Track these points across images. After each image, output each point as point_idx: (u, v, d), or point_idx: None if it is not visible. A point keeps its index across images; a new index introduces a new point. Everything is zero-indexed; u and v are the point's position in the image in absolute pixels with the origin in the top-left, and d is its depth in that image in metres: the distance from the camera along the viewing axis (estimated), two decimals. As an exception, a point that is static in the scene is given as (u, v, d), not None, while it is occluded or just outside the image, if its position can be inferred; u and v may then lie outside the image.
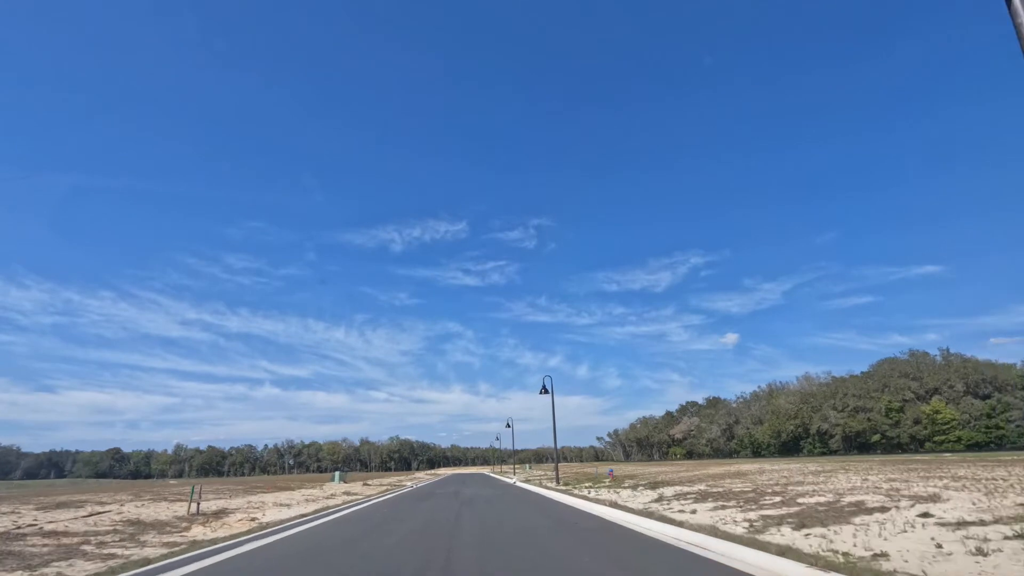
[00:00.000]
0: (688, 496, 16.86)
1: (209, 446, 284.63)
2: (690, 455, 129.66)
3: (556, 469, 31.92)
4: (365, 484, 40.58)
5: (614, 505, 15.18)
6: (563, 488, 26.27)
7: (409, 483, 46.17)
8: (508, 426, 60.31)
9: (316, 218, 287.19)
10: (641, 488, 22.24)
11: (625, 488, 23.19)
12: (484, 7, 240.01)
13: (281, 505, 20.20)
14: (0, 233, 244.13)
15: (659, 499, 16.79)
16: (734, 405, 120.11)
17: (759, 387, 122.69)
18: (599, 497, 18.54)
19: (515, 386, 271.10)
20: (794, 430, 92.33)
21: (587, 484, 29.07)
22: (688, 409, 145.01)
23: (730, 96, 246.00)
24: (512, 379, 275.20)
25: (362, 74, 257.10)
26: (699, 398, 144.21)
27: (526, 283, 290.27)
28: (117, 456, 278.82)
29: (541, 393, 32.59)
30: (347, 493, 28.26)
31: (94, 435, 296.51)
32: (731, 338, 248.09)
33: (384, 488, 34.87)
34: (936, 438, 70.75)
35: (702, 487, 19.86)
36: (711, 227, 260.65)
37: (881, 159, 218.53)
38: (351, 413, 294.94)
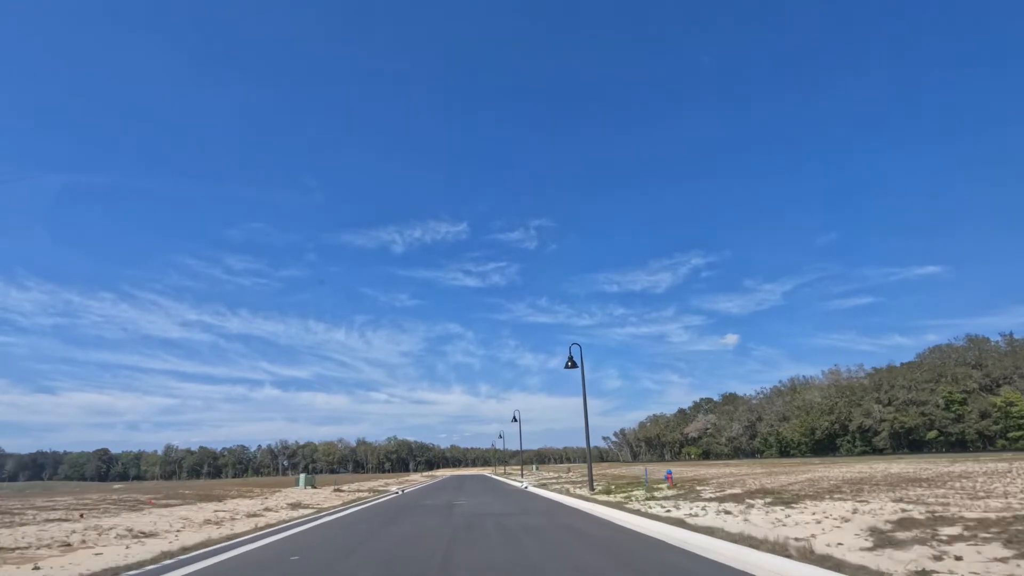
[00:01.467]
0: (960, 534, 7.87)
1: (200, 447, 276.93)
2: (706, 455, 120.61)
3: (590, 470, 23.04)
4: (336, 490, 31.72)
5: (808, 556, 6.26)
6: (609, 499, 17.40)
7: (395, 488, 37.29)
8: (515, 419, 51.50)
9: (317, 219, 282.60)
10: (763, 505, 13.25)
11: (723, 502, 14.27)
12: (487, 11, 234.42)
13: (138, 537, 11.34)
14: (1, 235, 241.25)
15: (881, 539, 7.81)
16: (755, 402, 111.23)
17: (780, 382, 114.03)
18: (709, 524, 9.60)
19: (515, 387, 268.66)
20: (829, 427, 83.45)
21: (638, 492, 20.16)
22: (702, 406, 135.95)
23: (731, 98, 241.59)
24: (513, 380, 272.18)
25: (363, 75, 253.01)
26: (699, 398, 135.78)
27: (527, 284, 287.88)
28: (105, 457, 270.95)
29: (568, 367, 23.79)
30: (296, 506, 19.41)
31: (94, 437, 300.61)
32: (731, 339, 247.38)
33: (357, 496, 25.97)
34: (1011, 434, 61.60)
35: (904, 505, 10.86)
36: (712, 228, 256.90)
37: (882, 160, 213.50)
38: (351, 414, 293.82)
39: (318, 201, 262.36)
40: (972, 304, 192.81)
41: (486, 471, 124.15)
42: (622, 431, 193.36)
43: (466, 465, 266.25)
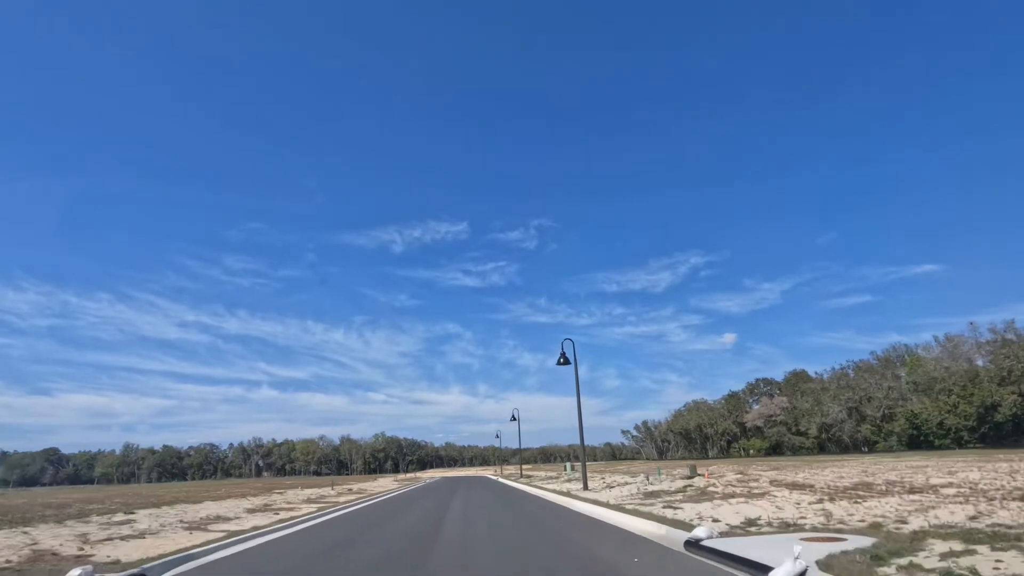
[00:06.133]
0: None
1: (164, 446, 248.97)
2: (775, 449, 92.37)
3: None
4: None
5: None
6: None
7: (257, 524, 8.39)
8: (563, 359, 22.68)
9: (316, 219, 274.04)
10: None
11: None
12: (488, 16, 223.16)
13: None
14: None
15: None
16: (851, 376, 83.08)
17: (873, 353, 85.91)
18: None
19: (514, 387, 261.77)
20: (1017, 402, 55.43)
21: None
22: (759, 388, 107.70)
23: (732, 100, 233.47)
24: (511, 380, 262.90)
25: (362, 73, 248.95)
26: (755, 379, 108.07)
27: (526, 284, 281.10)
28: (53, 458, 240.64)
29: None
30: None
31: (91, 438, 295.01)
32: (729, 338, 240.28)
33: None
34: None
35: None
36: (712, 227, 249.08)
37: (882, 159, 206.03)
38: (349, 415, 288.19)
39: (318, 201, 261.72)
40: (969, 302, 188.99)
41: (487, 472, 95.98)
42: (645, 424, 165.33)
43: (462, 465, 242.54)
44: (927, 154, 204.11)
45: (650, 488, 19.89)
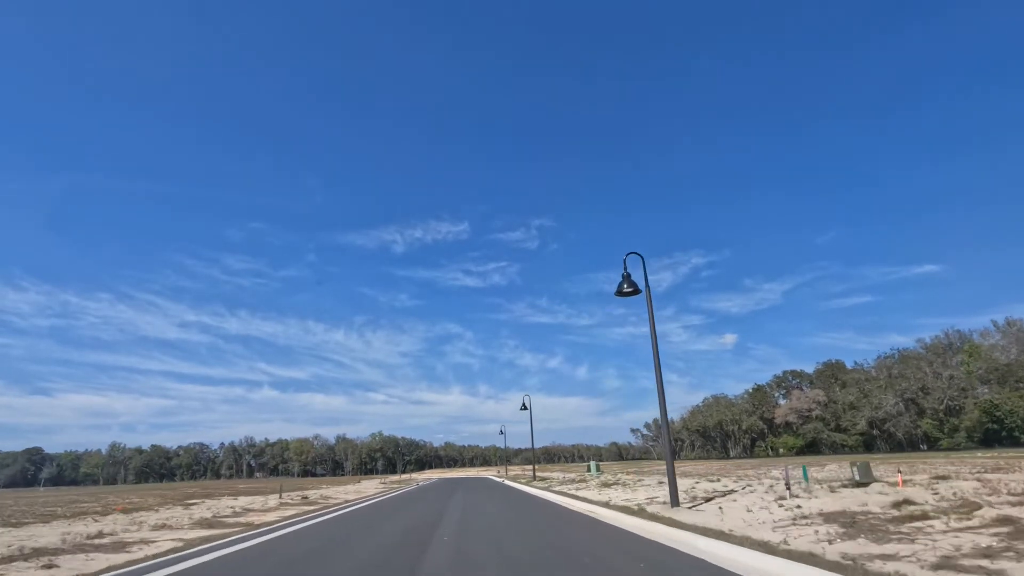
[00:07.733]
0: None
1: (153, 445, 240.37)
2: (811, 448, 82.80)
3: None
4: None
5: None
6: None
7: None
8: (628, 285, 12.77)
9: (317, 219, 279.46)
10: None
11: None
12: (487, 6, 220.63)
13: None
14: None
15: None
16: (902, 364, 73.33)
17: (919, 340, 76.32)
18: None
19: (514, 387, 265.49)
20: None
21: None
22: (787, 381, 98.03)
23: (731, 96, 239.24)
24: (511, 380, 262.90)
25: (364, 73, 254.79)
26: (782, 371, 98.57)
27: (527, 284, 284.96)
28: (36, 458, 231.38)
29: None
30: None
31: (90, 439, 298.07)
32: (729, 338, 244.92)
33: None
34: None
35: None
36: (712, 227, 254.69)
37: (882, 158, 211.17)
38: (349, 415, 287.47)
39: (319, 201, 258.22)
40: (969, 302, 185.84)
41: (488, 472, 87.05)
42: (656, 421, 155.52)
43: (462, 465, 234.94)
44: (926, 157, 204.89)
45: (810, 505, 10.32)
